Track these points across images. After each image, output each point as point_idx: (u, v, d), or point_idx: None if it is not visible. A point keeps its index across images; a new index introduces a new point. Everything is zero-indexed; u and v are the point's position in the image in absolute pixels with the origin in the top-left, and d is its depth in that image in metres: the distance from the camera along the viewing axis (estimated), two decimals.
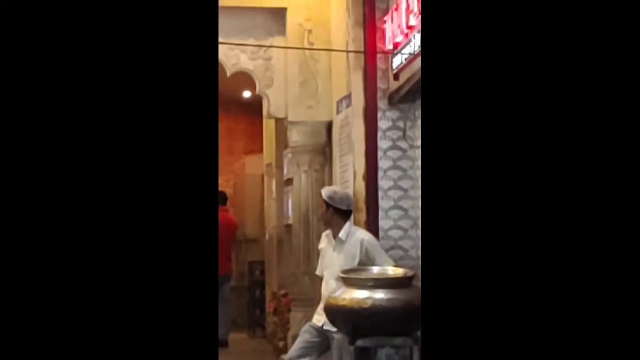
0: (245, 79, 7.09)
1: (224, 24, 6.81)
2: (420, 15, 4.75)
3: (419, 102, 5.39)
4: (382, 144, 5.88)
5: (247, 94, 9.60)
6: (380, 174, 5.86)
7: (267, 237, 9.35)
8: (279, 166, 8.61)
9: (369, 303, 4.32)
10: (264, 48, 6.93)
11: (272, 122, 8.30)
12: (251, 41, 6.88)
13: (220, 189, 10.03)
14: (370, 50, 5.91)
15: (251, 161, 10.92)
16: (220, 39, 6.69)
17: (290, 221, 7.80)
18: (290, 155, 7.59)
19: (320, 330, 4.90)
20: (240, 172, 11.27)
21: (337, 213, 4.98)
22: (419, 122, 5.53)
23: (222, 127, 11.01)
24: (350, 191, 5.81)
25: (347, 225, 4.99)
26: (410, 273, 4.54)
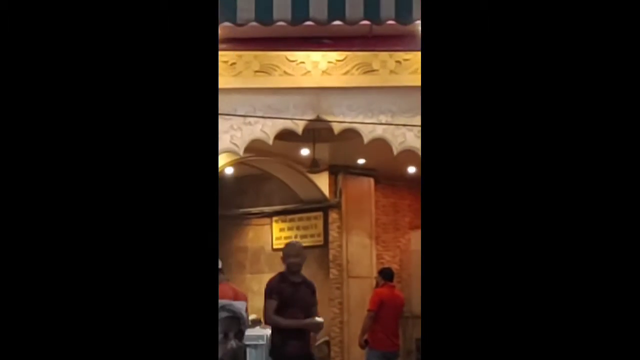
0: (410, 155, 7.15)
1: (392, 103, 7.00)
2: None
3: None
4: None
5: (412, 169, 9.66)
6: None
7: None
8: None
9: None
10: None
11: None
12: (417, 120, 6.95)
13: (386, 265, 10.09)
14: None
15: (417, 237, 10.90)
16: (387, 119, 6.91)
17: None
18: None
19: None
20: (406, 247, 11.27)
21: None
22: None
23: (387, 202, 11.13)
24: None
25: None
26: None
